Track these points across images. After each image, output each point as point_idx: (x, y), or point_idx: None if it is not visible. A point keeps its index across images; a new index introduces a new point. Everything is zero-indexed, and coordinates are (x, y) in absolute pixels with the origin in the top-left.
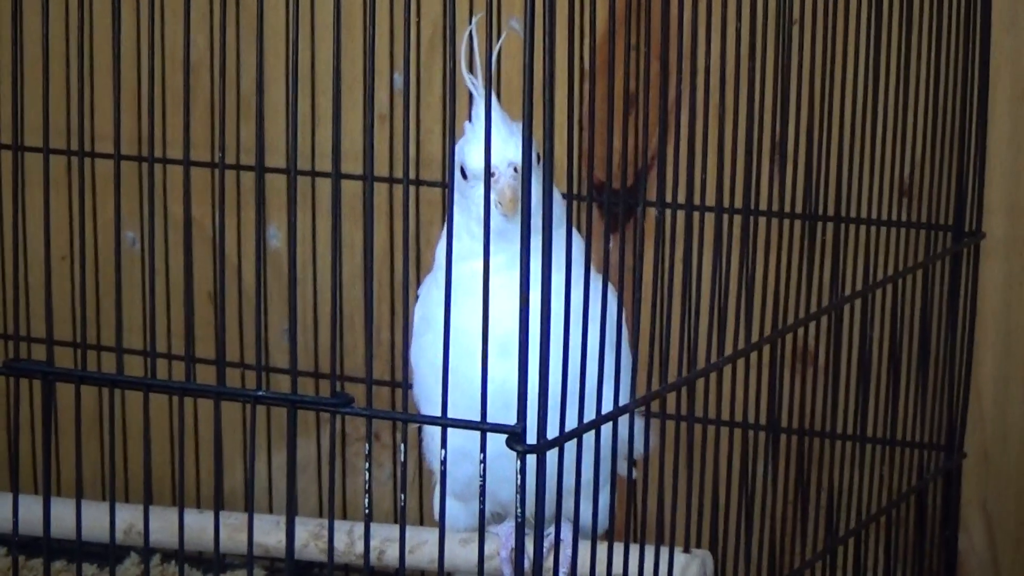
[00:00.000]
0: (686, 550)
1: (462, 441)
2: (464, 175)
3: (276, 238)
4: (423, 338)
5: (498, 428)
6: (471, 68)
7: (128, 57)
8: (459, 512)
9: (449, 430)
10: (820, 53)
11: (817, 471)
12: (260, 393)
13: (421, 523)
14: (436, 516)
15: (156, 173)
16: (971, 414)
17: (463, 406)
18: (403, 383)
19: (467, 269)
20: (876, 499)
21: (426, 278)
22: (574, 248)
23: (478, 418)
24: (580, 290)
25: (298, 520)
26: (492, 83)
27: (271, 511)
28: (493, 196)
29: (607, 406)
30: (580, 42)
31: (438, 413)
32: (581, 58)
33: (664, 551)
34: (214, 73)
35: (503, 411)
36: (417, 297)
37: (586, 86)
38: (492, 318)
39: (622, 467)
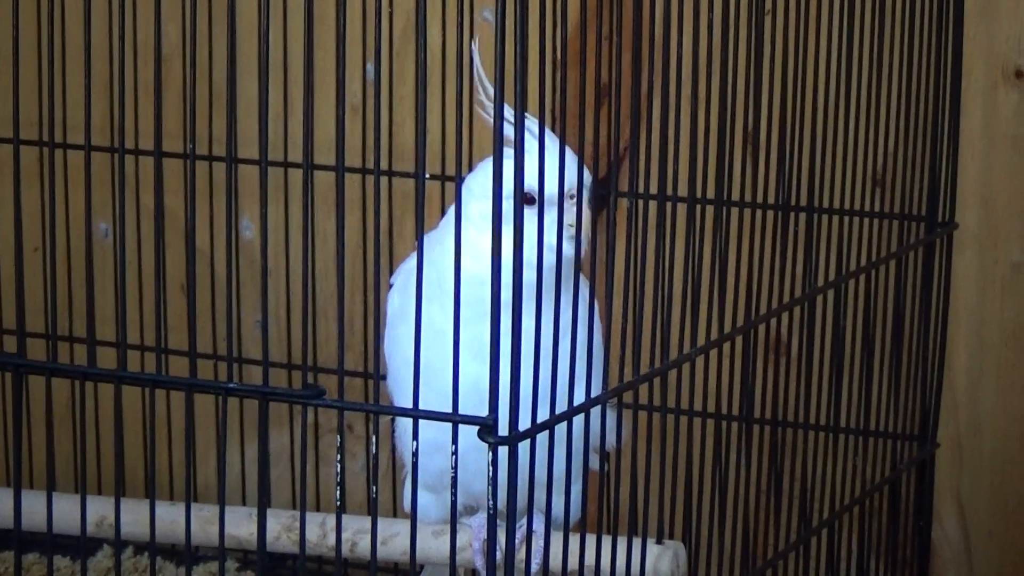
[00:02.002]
0: (659, 541)
1: (435, 433)
2: (527, 201)
3: (249, 229)
4: (398, 329)
5: (470, 420)
6: (484, 92)
7: (100, 48)
8: (431, 504)
9: (422, 422)
10: (793, 43)
11: (790, 461)
12: (231, 385)
13: (394, 515)
14: (406, 508)
15: (128, 164)
16: (944, 404)
17: (437, 399)
18: (375, 374)
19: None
20: (849, 489)
21: (400, 267)
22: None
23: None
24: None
25: (270, 512)
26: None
27: (244, 503)
28: (567, 220)
29: (579, 398)
30: (552, 33)
31: (411, 405)
32: (553, 49)
33: (636, 542)
34: (186, 64)
35: (479, 405)
36: (391, 286)
37: (558, 77)
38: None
39: (594, 460)
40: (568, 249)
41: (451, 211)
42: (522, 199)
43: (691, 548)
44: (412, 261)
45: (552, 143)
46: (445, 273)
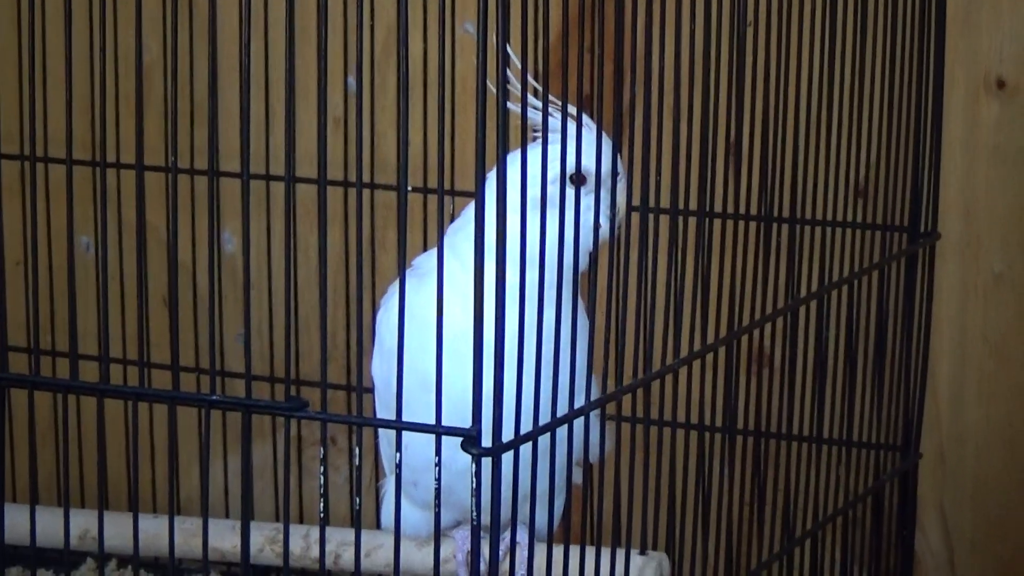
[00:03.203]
0: (642, 552)
1: (428, 451)
2: (574, 181)
3: (230, 242)
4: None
5: (453, 431)
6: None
7: (80, 61)
8: (419, 520)
9: (415, 442)
10: (775, 55)
11: (774, 472)
12: (214, 398)
13: (377, 526)
14: (384, 523)
15: (109, 178)
16: (927, 415)
17: (447, 413)
18: (359, 387)
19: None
20: (833, 500)
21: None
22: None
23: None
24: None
25: (254, 524)
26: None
27: (227, 515)
28: (604, 203)
29: (563, 409)
30: (534, 45)
31: (427, 420)
32: (535, 61)
33: (620, 553)
34: (167, 77)
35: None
36: (380, 305)
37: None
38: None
39: (577, 473)
40: (605, 231)
41: (471, 206)
42: (568, 179)
43: (674, 559)
44: (420, 268)
45: (592, 126)
46: (471, 264)
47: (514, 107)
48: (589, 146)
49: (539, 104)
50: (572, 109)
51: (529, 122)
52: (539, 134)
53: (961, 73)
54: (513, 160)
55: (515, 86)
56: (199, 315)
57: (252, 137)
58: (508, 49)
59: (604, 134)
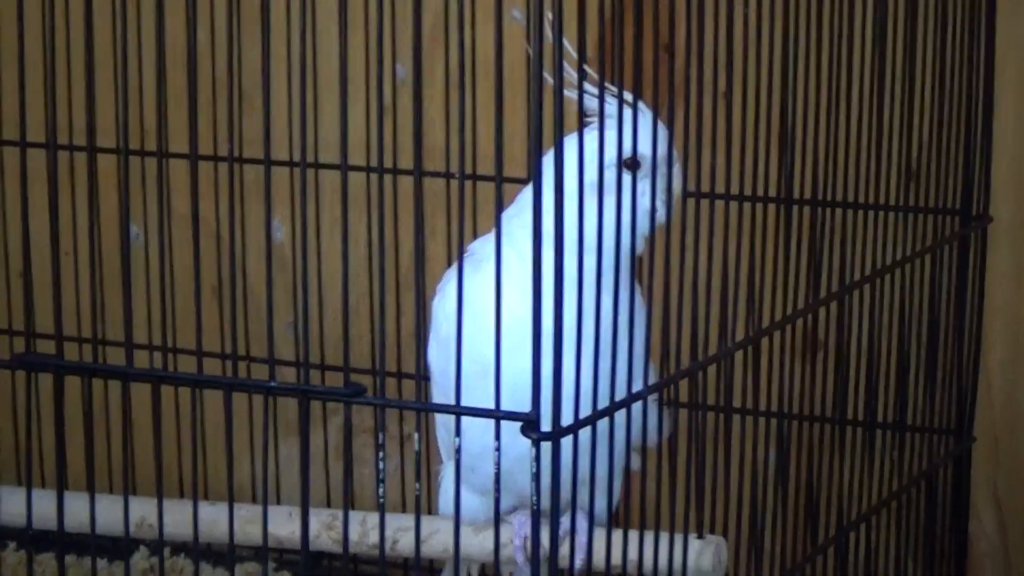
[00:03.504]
0: (700, 536)
1: (486, 437)
2: (628, 166)
3: (279, 231)
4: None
5: (512, 416)
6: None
7: (128, 52)
8: (476, 505)
9: (473, 428)
10: (827, 38)
11: (828, 457)
12: (272, 384)
13: (429, 512)
14: (441, 509)
15: (155, 168)
16: (980, 398)
17: (505, 399)
18: (417, 373)
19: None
20: (886, 485)
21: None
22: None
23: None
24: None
25: (312, 511)
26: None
27: (278, 503)
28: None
29: (620, 394)
30: (579, 31)
31: (484, 406)
32: (586, 46)
33: (679, 537)
34: (215, 67)
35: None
36: (436, 292)
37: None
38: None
39: (634, 458)
40: (662, 215)
41: (525, 192)
42: (624, 163)
43: (729, 543)
44: (477, 254)
45: (647, 110)
46: (526, 250)
47: (569, 93)
48: (644, 131)
49: (593, 90)
50: (628, 96)
51: (584, 108)
52: (593, 120)
53: (1012, 55)
54: (566, 146)
55: (568, 72)
56: (249, 304)
57: (297, 126)
58: (549, 36)
59: (659, 120)
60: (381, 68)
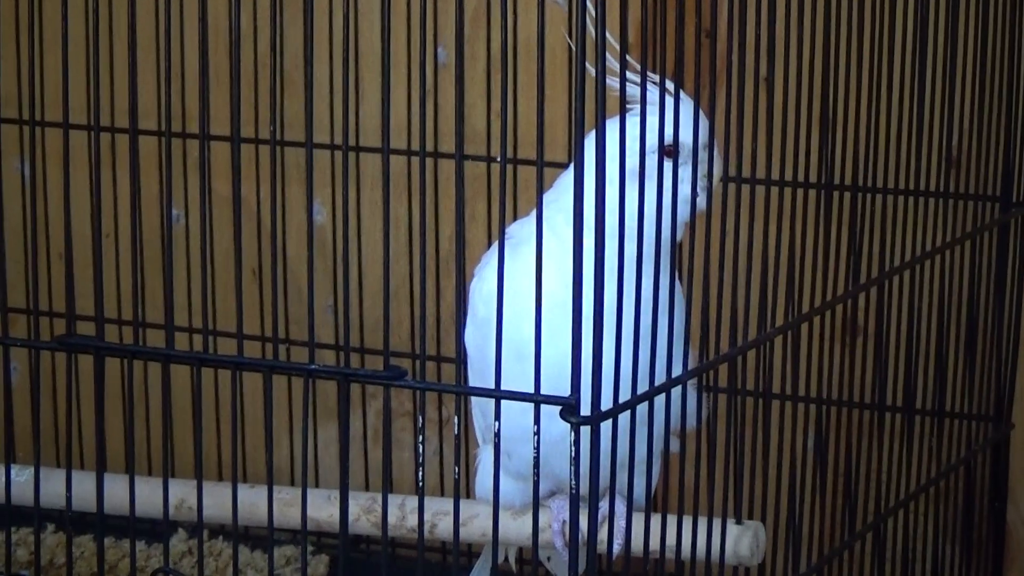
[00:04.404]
0: (738, 522)
1: (523, 421)
2: (667, 153)
3: (320, 214)
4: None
5: (552, 400)
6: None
7: (171, 34)
8: (513, 490)
9: (510, 412)
10: (868, 24)
11: (867, 443)
12: (313, 367)
13: (467, 496)
14: (478, 494)
15: (196, 150)
16: (1019, 385)
17: (543, 383)
18: (457, 357)
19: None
20: (924, 471)
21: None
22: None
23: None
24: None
25: (350, 494)
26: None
27: (317, 486)
28: (702, 173)
29: (660, 378)
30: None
31: (522, 390)
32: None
33: (717, 522)
34: (258, 50)
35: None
36: (474, 275)
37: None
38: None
39: (673, 443)
40: (702, 201)
41: (565, 177)
42: (665, 150)
43: (767, 529)
44: (514, 237)
45: (688, 98)
46: (565, 234)
47: (611, 82)
48: (684, 118)
49: (634, 77)
50: (669, 84)
51: (626, 95)
52: (634, 107)
53: None
54: (606, 131)
55: (610, 61)
56: (290, 287)
57: (336, 108)
58: (590, 23)
59: (700, 107)
60: (424, 51)
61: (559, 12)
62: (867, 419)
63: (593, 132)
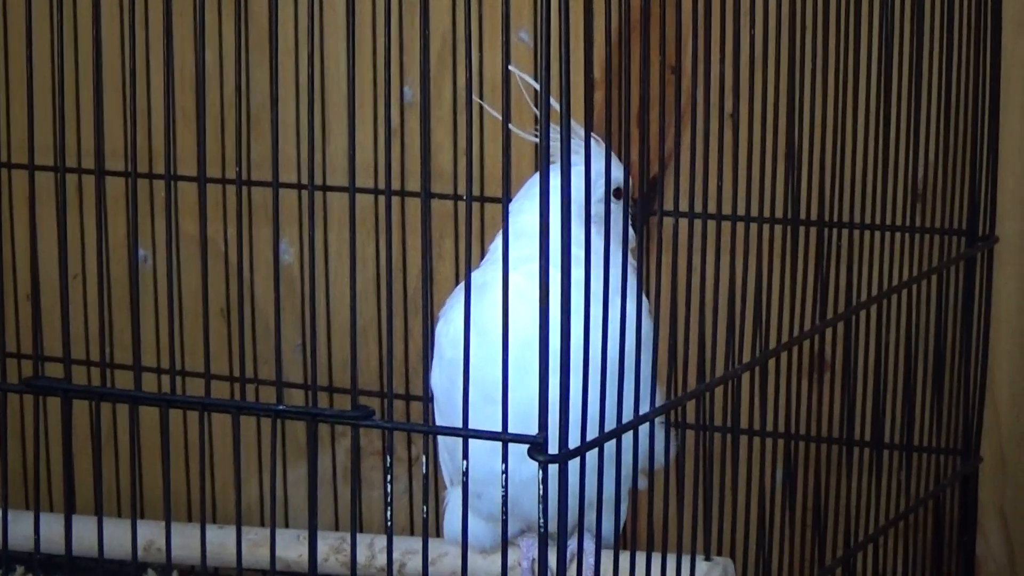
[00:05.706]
0: (707, 558)
1: (491, 463)
2: (614, 196)
3: (288, 253)
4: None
5: (519, 438)
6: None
7: (136, 75)
8: (482, 531)
9: (478, 454)
10: (832, 60)
11: (836, 478)
12: (280, 407)
13: (437, 535)
14: (447, 536)
15: (162, 191)
16: (987, 418)
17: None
18: (424, 396)
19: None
20: (893, 505)
21: (455, 294)
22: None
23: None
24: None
25: (319, 534)
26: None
27: (287, 526)
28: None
29: (627, 415)
30: (586, 53)
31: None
32: (587, 70)
33: (686, 559)
34: (223, 90)
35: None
36: (439, 317)
37: (598, 96)
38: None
39: (641, 480)
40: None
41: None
42: (613, 193)
43: (736, 565)
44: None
45: (602, 142)
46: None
47: (528, 137)
48: (613, 162)
49: (576, 130)
50: (581, 131)
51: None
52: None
53: (1017, 75)
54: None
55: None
56: (257, 326)
57: (303, 147)
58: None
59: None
60: (389, 90)
61: (525, 51)
62: (836, 453)
63: (551, 179)
